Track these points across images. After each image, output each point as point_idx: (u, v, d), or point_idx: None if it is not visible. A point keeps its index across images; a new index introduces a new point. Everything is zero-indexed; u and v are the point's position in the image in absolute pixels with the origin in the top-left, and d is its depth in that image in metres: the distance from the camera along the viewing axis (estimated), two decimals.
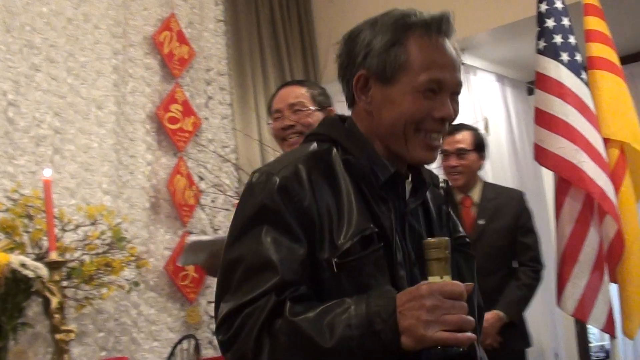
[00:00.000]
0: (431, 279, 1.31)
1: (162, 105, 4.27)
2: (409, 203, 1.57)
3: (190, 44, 4.52)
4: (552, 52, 3.50)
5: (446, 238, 1.35)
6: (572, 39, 3.53)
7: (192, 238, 3.25)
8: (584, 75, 3.51)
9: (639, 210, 3.56)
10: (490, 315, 3.40)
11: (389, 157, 1.54)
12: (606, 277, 3.40)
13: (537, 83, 3.55)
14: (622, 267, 3.45)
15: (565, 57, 3.48)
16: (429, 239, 1.35)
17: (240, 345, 1.36)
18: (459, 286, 1.30)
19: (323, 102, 2.87)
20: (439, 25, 1.49)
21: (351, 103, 1.59)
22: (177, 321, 4.10)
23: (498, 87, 5.25)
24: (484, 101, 4.90)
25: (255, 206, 1.45)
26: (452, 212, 1.75)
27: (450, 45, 1.50)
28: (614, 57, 3.64)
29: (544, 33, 3.54)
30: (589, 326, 5.10)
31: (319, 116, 2.80)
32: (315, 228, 1.43)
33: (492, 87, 5.18)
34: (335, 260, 1.41)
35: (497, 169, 4.82)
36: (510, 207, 3.66)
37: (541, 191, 5.21)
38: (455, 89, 1.52)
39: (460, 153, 3.63)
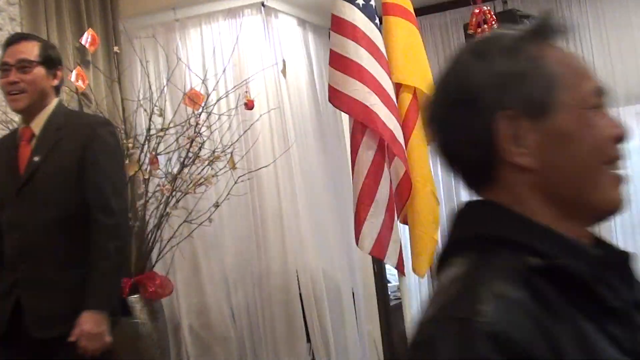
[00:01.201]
0: None
1: None
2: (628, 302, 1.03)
3: None
4: None
5: None
6: None
7: None
8: (378, 21, 3.59)
9: (430, 154, 3.73)
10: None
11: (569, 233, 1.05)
12: (396, 217, 3.53)
13: (332, 25, 3.60)
14: (412, 208, 3.60)
15: (360, 1, 3.53)
16: None
17: None
18: None
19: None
20: (552, 28, 1.09)
21: (483, 177, 1.08)
22: None
23: (300, 31, 5.25)
24: (284, 45, 4.88)
25: None
26: None
27: None
28: (408, 5, 3.75)
29: None
30: (387, 266, 5.31)
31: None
32: None
33: (294, 31, 5.17)
34: None
35: (297, 114, 4.84)
36: (75, 138, 2.85)
37: (341, 135, 5.31)
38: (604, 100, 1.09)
39: (23, 66, 2.82)
